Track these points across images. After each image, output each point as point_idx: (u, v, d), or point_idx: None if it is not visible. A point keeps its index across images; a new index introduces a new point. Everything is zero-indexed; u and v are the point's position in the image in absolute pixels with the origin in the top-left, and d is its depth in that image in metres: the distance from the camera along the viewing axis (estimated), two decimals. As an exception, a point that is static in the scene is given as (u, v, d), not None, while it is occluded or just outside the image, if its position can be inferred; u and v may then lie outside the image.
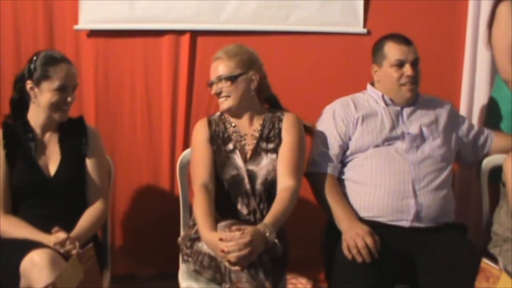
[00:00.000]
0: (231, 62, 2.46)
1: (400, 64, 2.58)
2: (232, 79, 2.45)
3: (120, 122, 3.24)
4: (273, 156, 2.47)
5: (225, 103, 2.48)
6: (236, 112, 2.51)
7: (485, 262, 1.64)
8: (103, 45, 3.18)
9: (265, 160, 2.46)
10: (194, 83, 3.23)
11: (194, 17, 3.15)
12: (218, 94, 2.49)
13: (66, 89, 2.43)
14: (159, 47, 3.20)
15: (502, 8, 2.91)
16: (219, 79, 2.47)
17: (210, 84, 2.51)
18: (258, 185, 2.45)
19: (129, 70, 3.22)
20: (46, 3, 3.16)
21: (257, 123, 2.53)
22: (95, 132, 2.60)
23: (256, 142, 2.49)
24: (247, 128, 2.53)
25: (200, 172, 2.44)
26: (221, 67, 2.47)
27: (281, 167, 2.44)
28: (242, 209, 2.46)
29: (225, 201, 2.47)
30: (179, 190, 2.71)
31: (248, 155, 2.48)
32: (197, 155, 2.50)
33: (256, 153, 2.48)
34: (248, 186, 2.44)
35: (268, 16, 3.17)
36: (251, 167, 2.46)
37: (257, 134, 2.51)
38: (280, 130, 2.50)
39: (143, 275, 3.25)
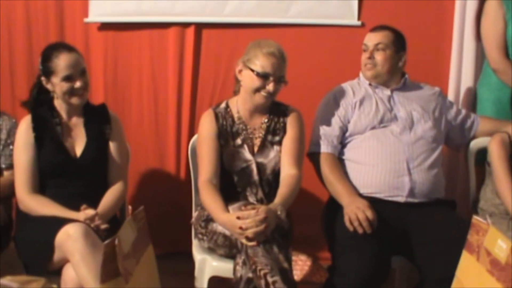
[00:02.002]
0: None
1: (364, 49, 2.91)
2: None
3: (128, 111, 3.48)
4: (278, 148, 2.71)
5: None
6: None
7: (476, 218, 1.95)
8: (112, 37, 3.42)
9: (273, 153, 2.71)
10: (199, 73, 3.47)
11: (199, 10, 3.38)
12: None
13: (72, 77, 2.60)
14: (165, 39, 3.43)
15: (490, 2, 3.21)
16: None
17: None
18: (266, 176, 2.70)
19: (137, 61, 3.46)
20: (57, -3, 3.37)
21: (263, 117, 2.75)
22: (117, 119, 2.82)
23: (264, 135, 2.72)
24: (253, 121, 2.74)
25: (205, 168, 2.65)
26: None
27: (285, 156, 2.69)
28: (251, 197, 2.70)
29: (234, 190, 2.71)
30: (191, 173, 2.93)
31: (256, 148, 2.71)
32: (203, 150, 2.69)
33: (264, 146, 2.71)
34: (257, 177, 2.69)
35: (269, 9, 3.40)
36: (260, 159, 2.70)
37: (264, 127, 2.74)
38: (285, 123, 2.74)
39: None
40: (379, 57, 2.89)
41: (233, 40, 3.42)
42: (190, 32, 3.42)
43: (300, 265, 3.35)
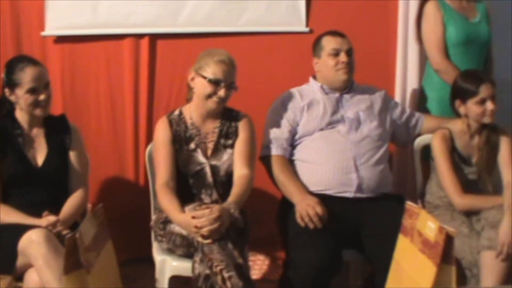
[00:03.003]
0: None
1: (336, 53, 3.06)
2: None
3: (87, 121, 3.58)
4: (231, 151, 2.90)
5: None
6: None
7: (409, 203, 2.17)
8: (69, 50, 3.54)
9: (226, 155, 2.90)
10: (155, 82, 3.61)
11: (153, 21, 3.53)
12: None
13: (36, 90, 2.74)
14: (120, 50, 3.56)
15: (429, 6, 3.43)
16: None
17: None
18: (220, 178, 2.89)
19: (94, 72, 3.58)
20: (13, 10, 3.49)
21: (215, 122, 2.92)
22: (76, 129, 2.97)
23: (217, 139, 2.91)
24: (207, 126, 2.92)
25: (162, 172, 2.83)
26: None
27: (237, 158, 2.88)
28: (206, 199, 2.87)
29: (190, 193, 2.88)
30: (149, 178, 3.10)
31: (210, 151, 2.90)
32: (159, 155, 2.87)
33: (217, 149, 2.90)
34: (211, 179, 2.87)
35: (220, 19, 3.56)
36: (214, 162, 2.88)
37: (217, 132, 2.92)
38: (237, 127, 2.93)
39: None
40: (352, 62, 3.10)
41: (187, 50, 3.55)
42: (144, 42, 3.56)
43: (259, 265, 3.54)
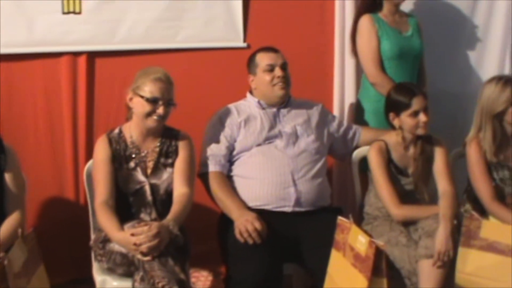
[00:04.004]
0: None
1: (270, 69, 3.11)
2: None
3: (24, 141, 3.49)
4: (171, 170, 2.92)
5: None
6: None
7: (340, 218, 2.23)
8: (5, 68, 3.45)
9: (166, 174, 2.91)
10: (94, 100, 3.58)
11: (91, 39, 3.50)
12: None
13: None
14: (58, 68, 3.50)
15: (364, 21, 3.51)
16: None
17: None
18: (160, 196, 2.90)
19: (31, 91, 3.51)
20: None
21: (156, 141, 2.94)
22: (11, 150, 2.90)
23: (157, 158, 2.92)
24: (146, 145, 2.92)
25: (101, 191, 2.82)
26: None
27: (177, 176, 2.90)
28: (145, 218, 2.87)
29: (129, 211, 2.88)
30: (87, 197, 3.08)
31: (149, 170, 2.90)
32: (99, 173, 2.86)
33: (157, 168, 2.91)
34: (150, 197, 2.88)
35: (158, 36, 3.57)
36: (154, 180, 2.89)
37: (157, 150, 2.93)
38: (177, 147, 2.94)
39: (56, 283, 3.39)
40: (287, 76, 3.14)
41: (125, 67, 3.52)
42: (82, 60, 3.53)
43: (203, 281, 3.56)
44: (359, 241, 2.01)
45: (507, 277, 2.35)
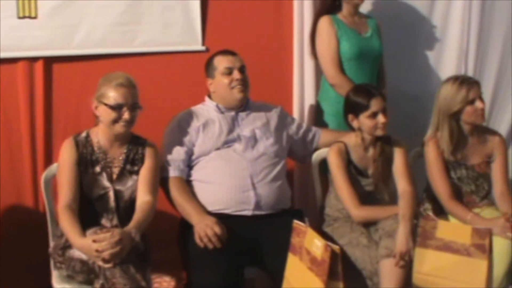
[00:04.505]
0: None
1: (229, 72, 3.10)
2: None
3: None
4: (136, 177, 2.91)
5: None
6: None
7: (296, 222, 2.22)
8: None
9: (131, 181, 2.90)
10: (52, 106, 3.52)
11: (47, 44, 3.44)
12: None
13: None
14: (14, 75, 3.44)
15: (323, 22, 3.51)
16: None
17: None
18: (123, 203, 2.88)
19: None
20: None
21: (123, 147, 2.92)
22: None
23: (123, 164, 2.90)
24: (113, 151, 2.90)
25: (65, 194, 2.79)
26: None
27: (141, 184, 2.89)
28: (106, 223, 2.86)
29: (91, 217, 2.84)
30: (45, 203, 3.04)
31: (115, 176, 2.88)
32: (63, 176, 2.83)
33: (122, 174, 2.89)
34: (113, 204, 2.86)
35: (115, 40, 3.53)
36: (118, 187, 2.87)
37: (123, 157, 2.91)
38: (143, 155, 2.93)
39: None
40: (246, 79, 3.13)
41: (83, 72, 3.51)
42: (39, 66, 3.48)
43: (165, 286, 3.52)
44: (315, 244, 2.00)
45: (463, 277, 2.37)
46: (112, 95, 2.78)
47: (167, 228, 3.24)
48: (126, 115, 2.79)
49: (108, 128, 2.84)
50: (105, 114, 2.82)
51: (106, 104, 2.79)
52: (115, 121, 2.81)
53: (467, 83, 3.14)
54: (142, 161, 2.93)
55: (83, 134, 2.93)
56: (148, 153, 2.94)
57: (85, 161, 2.87)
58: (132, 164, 2.91)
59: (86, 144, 2.89)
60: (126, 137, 2.93)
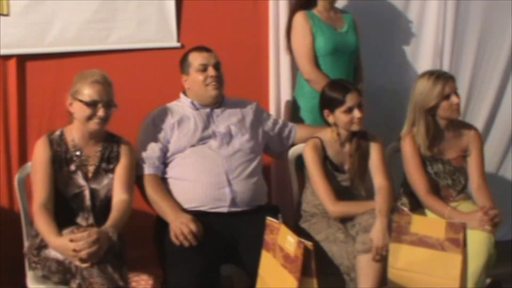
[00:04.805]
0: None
1: (204, 69, 3.08)
2: None
3: None
4: (111, 175, 2.89)
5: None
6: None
7: (269, 219, 2.21)
8: None
9: (106, 180, 2.87)
10: (26, 104, 3.50)
11: (20, 41, 3.41)
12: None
13: None
14: None
15: (298, 18, 3.50)
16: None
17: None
18: (99, 202, 2.86)
19: None
20: None
21: (98, 145, 2.89)
22: None
23: (98, 163, 2.88)
24: (88, 149, 2.88)
25: (40, 193, 2.77)
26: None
27: (117, 183, 2.87)
28: (82, 222, 2.83)
29: (67, 215, 2.81)
30: (19, 203, 3.01)
31: (90, 174, 2.86)
32: (37, 176, 2.81)
33: (98, 173, 2.87)
34: (89, 202, 2.84)
35: (90, 37, 3.50)
36: (94, 185, 2.85)
37: (98, 155, 2.89)
38: (118, 153, 2.91)
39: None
40: (221, 76, 3.11)
41: (57, 70, 3.48)
42: (12, 64, 3.45)
43: (143, 284, 3.49)
44: (288, 241, 1.99)
45: (438, 271, 2.37)
46: (87, 92, 2.76)
47: (144, 226, 3.22)
48: (100, 112, 2.77)
49: (82, 125, 2.82)
50: (79, 110, 2.79)
51: (81, 101, 2.77)
52: (90, 118, 2.78)
53: (443, 78, 3.15)
54: (117, 159, 2.91)
55: (57, 133, 2.90)
56: (123, 151, 2.92)
57: (60, 160, 2.84)
58: (107, 162, 2.89)
59: (61, 143, 2.86)
60: (101, 135, 2.90)
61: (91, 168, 2.87)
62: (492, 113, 4.38)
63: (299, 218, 3.21)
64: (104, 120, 2.80)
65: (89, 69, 2.89)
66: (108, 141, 2.93)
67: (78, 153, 2.86)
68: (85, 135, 2.86)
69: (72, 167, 2.85)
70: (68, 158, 2.85)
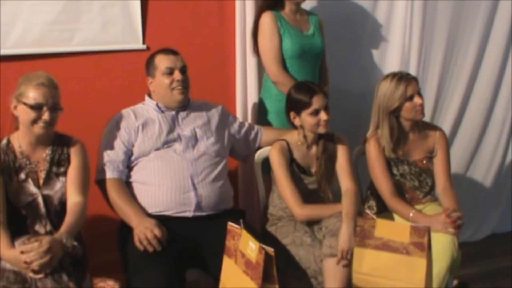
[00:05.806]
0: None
1: (170, 72, 3.04)
2: None
3: None
4: (64, 179, 2.80)
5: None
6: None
7: (230, 224, 2.18)
8: None
9: (59, 184, 2.79)
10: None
11: (-20, 44, 3.32)
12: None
13: None
14: None
15: (265, 19, 3.46)
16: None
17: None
18: (54, 207, 2.78)
19: None
20: None
21: (46, 149, 2.80)
22: None
23: (48, 167, 2.79)
24: (37, 154, 2.79)
25: None
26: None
27: (70, 186, 2.79)
28: (40, 230, 2.75)
29: (23, 225, 2.74)
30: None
31: (41, 181, 2.78)
32: None
33: (49, 178, 2.78)
34: (44, 209, 2.75)
35: (52, 39, 3.41)
36: (46, 191, 2.77)
37: (48, 159, 2.80)
38: (69, 154, 2.83)
39: None
40: (187, 80, 3.07)
41: (19, 73, 3.29)
42: (-27, 67, 3.37)
43: (109, 290, 3.44)
44: (250, 247, 1.96)
45: (402, 275, 2.36)
46: (32, 95, 2.67)
47: (108, 231, 3.18)
48: (45, 116, 2.69)
49: (27, 129, 2.73)
50: (24, 114, 2.71)
51: (25, 104, 2.69)
52: (34, 121, 2.70)
53: (405, 79, 3.14)
54: (68, 161, 2.83)
55: (4, 142, 2.81)
56: (74, 151, 2.84)
57: (8, 169, 2.75)
58: (58, 165, 2.81)
59: (8, 151, 2.77)
60: (49, 138, 2.82)
61: (41, 174, 2.78)
62: (460, 113, 4.41)
63: (266, 221, 3.19)
64: (50, 124, 2.72)
65: (35, 71, 2.80)
66: (56, 143, 2.84)
67: (26, 161, 2.78)
68: (31, 140, 2.77)
69: (22, 176, 2.76)
70: (17, 166, 2.76)
